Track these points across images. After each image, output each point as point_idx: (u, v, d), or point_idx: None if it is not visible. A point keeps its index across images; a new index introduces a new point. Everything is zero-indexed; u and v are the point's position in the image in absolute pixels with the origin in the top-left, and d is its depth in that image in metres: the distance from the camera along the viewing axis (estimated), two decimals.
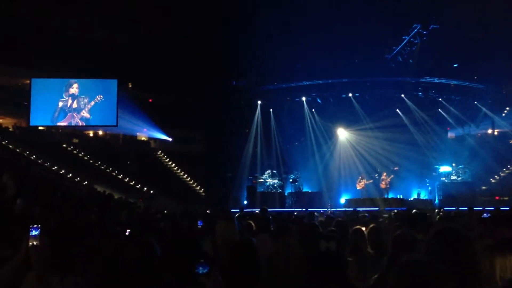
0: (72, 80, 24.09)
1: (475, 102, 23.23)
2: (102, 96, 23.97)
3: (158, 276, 2.39)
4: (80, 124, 24.60)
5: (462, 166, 21.08)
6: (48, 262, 2.46)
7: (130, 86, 28.68)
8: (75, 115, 23.92)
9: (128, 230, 5.87)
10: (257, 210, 13.08)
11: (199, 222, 6.64)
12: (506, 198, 19.23)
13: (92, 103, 23.87)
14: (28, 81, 23.92)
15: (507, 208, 11.35)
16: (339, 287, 2.47)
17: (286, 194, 21.58)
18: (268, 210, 11.06)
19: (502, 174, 22.81)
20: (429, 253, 2.18)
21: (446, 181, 20.84)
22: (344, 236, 4.99)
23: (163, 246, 2.94)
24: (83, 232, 3.14)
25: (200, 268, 2.56)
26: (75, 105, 23.90)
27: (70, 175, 22.45)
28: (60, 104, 23.77)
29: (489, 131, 25.49)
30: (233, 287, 3.02)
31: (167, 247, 2.73)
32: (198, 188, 25.96)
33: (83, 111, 23.88)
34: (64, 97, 23.86)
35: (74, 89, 23.99)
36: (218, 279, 2.75)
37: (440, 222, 6.81)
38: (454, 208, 13.15)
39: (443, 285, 1.69)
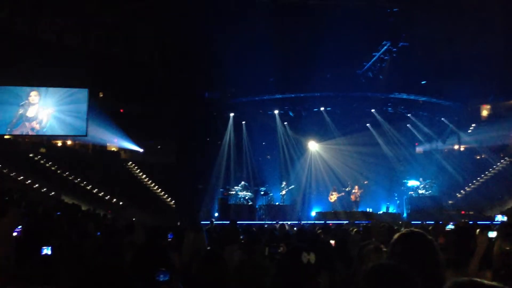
0: (33, 88, 23.60)
1: (442, 119, 23.87)
2: (55, 108, 23.65)
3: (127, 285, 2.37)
4: (30, 134, 24.18)
5: (429, 180, 21.47)
6: (11, 272, 2.39)
7: (101, 95, 28.26)
8: (27, 124, 23.44)
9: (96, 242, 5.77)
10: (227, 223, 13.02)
11: (169, 235, 6.59)
12: (471, 213, 19.71)
13: (47, 113, 23.52)
14: None
15: (471, 222, 11.61)
16: None
17: (257, 206, 21.56)
18: (239, 222, 11.03)
19: (468, 189, 23.39)
20: (393, 256, 2.21)
21: (414, 195, 21.23)
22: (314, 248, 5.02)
23: (132, 255, 2.91)
24: (47, 242, 3.07)
25: (161, 276, 2.55)
26: (32, 114, 23.44)
27: (37, 185, 21.87)
28: (20, 112, 23.31)
29: (456, 146, 26.19)
30: None
31: (136, 257, 2.71)
32: (168, 200, 25.67)
33: (34, 121, 23.45)
34: (24, 105, 23.37)
35: (33, 97, 23.50)
36: (177, 286, 2.73)
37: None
38: (420, 222, 13.39)
39: (410, 286, 1.72)
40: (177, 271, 3.34)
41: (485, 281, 1.29)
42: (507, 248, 2.86)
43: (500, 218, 13.02)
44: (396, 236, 2.34)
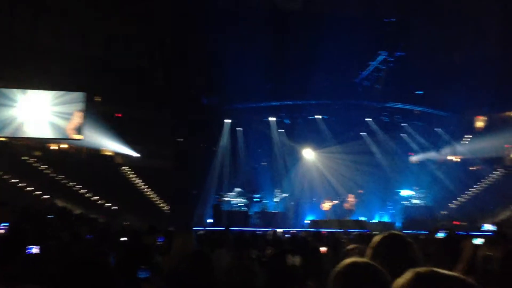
0: (27, 91, 23.56)
1: (437, 129, 23.96)
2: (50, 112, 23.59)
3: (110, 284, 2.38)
4: (24, 137, 24.13)
5: (424, 190, 21.49)
6: None
7: (98, 99, 28.25)
8: (20, 127, 23.40)
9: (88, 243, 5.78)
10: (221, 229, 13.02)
11: (160, 238, 6.60)
12: (464, 224, 19.71)
13: (42, 116, 23.48)
14: None
15: (464, 233, 11.62)
16: None
17: (251, 213, 21.51)
18: (233, 229, 11.07)
19: (461, 200, 23.42)
20: (374, 256, 2.24)
21: (407, 204, 21.22)
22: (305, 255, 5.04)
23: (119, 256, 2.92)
24: (34, 241, 3.08)
25: (142, 273, 2.56)
26: (25, 116, 23.41)
27: (30, 188, 21.77)
28: (14, 114, 23.27)
29: (450, 157, 26.24)
30: None
31: (121, 256, 2.72)
32: (162, 205, 25.60)
33: (28, 124, 23.40)
34: (18, 108, 23.34)
35: (27, 100, 23.44)
36: (160, 286, 2.74)
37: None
38: (412, 232, 13.39)
39: (382, 284, 1.74)
40: (166, 273, 3.35)
41: (446, 271, 1.31)
42: (489, 253, 2.92)
43: (486, 227, 13.07)
44: (377, 238, 2.38)
